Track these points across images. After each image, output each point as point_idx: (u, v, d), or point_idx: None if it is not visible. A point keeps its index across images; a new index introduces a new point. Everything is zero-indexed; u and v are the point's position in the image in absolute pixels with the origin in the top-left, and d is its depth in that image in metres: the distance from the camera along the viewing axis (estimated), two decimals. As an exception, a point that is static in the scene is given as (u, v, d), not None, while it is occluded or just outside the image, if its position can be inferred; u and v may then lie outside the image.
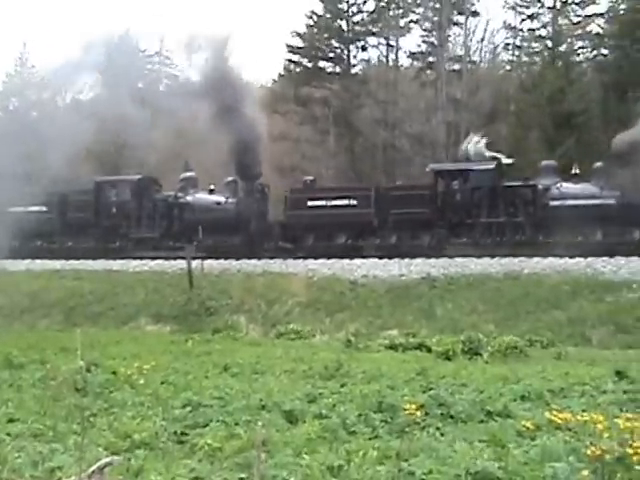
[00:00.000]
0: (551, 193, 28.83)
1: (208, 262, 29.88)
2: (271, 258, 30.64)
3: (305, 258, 29.81)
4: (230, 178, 33.68)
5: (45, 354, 14.96)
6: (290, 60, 51.09)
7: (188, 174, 35.42)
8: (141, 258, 32.31)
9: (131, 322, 26.79)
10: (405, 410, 8.16)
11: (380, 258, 28.78)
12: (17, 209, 35.00)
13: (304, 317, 24.92)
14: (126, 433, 7.73)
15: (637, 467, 5.47)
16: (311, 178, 33.81)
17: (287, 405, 9.17)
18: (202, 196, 33.89)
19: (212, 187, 33.97)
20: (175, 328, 25.10)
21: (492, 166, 30.54)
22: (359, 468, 6.41)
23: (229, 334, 21.93)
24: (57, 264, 33.75)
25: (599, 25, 46.42)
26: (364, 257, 29.34)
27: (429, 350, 17.57)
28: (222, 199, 33.05)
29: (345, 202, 31.10)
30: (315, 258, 29.42)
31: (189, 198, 33.97)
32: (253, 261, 30.88)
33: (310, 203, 31.57)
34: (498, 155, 31.68)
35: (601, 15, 46.55)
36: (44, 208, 36.03)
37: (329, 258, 29.14)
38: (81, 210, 35.53)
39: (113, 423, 8.29)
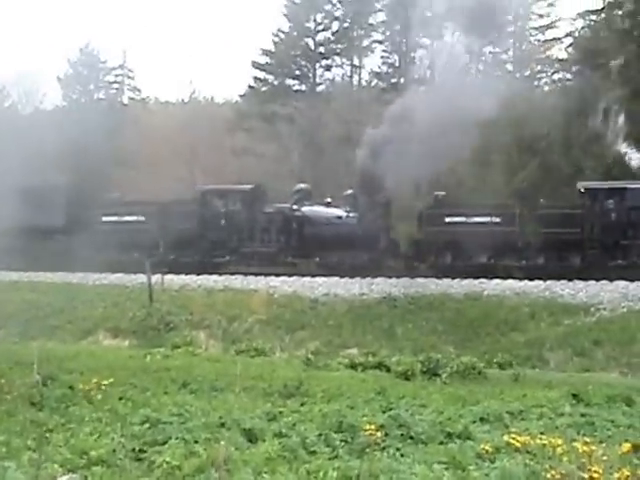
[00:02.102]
0: None
1: (169, 277, 29.67)
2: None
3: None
4: (349, 191, 31.69)
5: (-1, 367, 14.67)
6: (256, 77, 51.19)
7: (302, 185, 33.75)
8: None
9: (89, 336, 26.48)
10: (365, 430, 8.16)
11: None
12: (111, 218, 34.10)
13: (264, 334, 24.83)
14: (83, 450, 7.60)
15: (596, 491, 5.51)
16: (442, 193, 31.45)
17: (247, 423, 9.11)
18: (321, 209, 31.93)
19: (329, 200, 32.15)
20: (134, 343, 24.83)
21: None
22: (319, 488, 6.38)
23: (188, 350, 21.72)
24: (14, 275, 33.27)
25: (565, 50, 47.21)
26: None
27: (388, 370, 17.60)
28: (342, 213, 31.24)
29: (487, 219, 29.41)
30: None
31: (306, 211, 31.95)
32: (214, 277, 30.69)
33: (448, 219, 29.87)
34: None
35: (558, 39, 47.37)
36: (142, 218, 34.19)
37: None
38: (185, 221, 33.24)
39: (70, 439, 8.15)
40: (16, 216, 34.53)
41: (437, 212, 30.39)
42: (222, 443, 6.90)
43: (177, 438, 8.35)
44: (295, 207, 32.11)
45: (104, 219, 34.17)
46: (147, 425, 8.93)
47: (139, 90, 61.12)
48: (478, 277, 27.19)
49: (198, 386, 13.08)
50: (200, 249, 32.98)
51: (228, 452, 7.18)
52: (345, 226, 30.59)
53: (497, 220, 29.32)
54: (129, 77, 60.16)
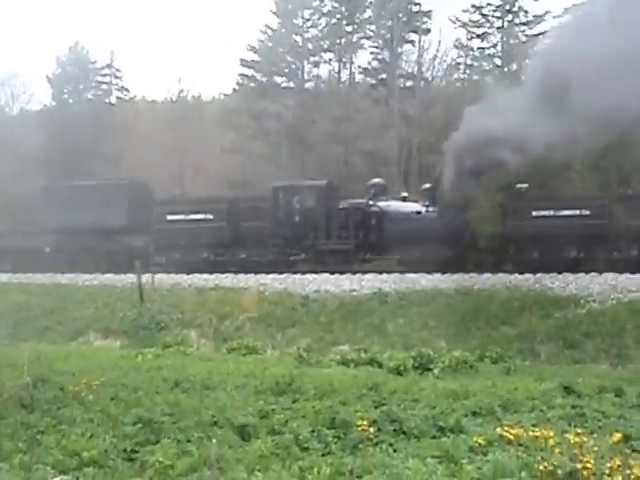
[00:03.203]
0: None
1: (159, 276, 29.60)
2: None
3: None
4: (427, 185, 30.88)
5: (-10, 369, 14.59)
6: (244, 74, 51.12)
7: (377, 180, 32.67)
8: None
9: (80, 337, 26.41)
10: (358, 426, 8.17)
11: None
12: (176, 217, 33.32)
13: (255, 332, 24.82)
14: (75, 451, 7.59)
15: (587, 482, 5.54)
16: (525, 186, 30.05)
17: (239, 421, 9.10)
18: (398, 204, 30.96)
19: (405, 195, 31.39)
20: (125, 343, 24.79)
21: None
22: (312, 485, 6.39)
23: (180, 349, 21.68)
24: (3, 277, 33.15)
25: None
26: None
27: (380, 365, 17.60)
28: (421, 208, 30.17)
29: (576, 212, 28.40)
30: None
31: (383, 206, 30.83)
32: (205, 275, 30.63)
33: (535, 213, 28.78)
34: None
35: (546, 33, 47.48)
36: (210, 216, 33.07)
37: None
38: (256, 218, 32.25)
39: (61, 441, 8.13)
40: (77, 216, 34.37)
41: (524, 205, 29.30)
42: (213, 441, 6.89)
43: (169, 437, 8.36)
44: (371, 202, 31.13)
45: (169, 218, 33.33)
46: (139, 425, 8.92)
47: (127, 90, 61.01)
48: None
49: (190, 385, 13.02)
50: (273, 247, 32.05)
51: (220, 450, 7.18)
52: (425, 221, 29.61)
53: (587, 212, 28.44)
54: (117, 77, 60.00)
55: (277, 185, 33.12)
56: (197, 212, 33.25)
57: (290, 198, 32.25)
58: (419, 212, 30.05)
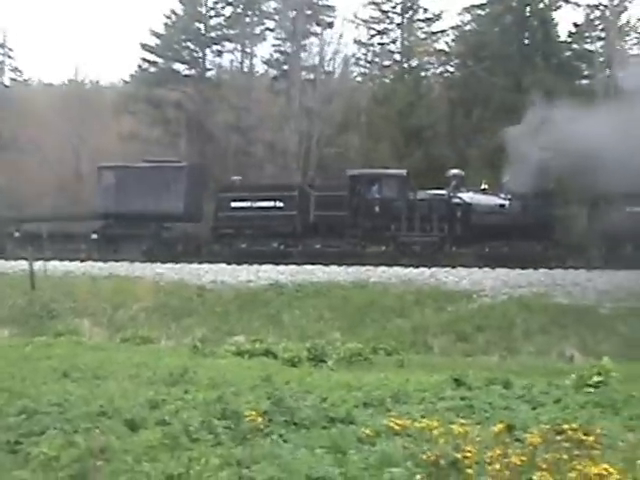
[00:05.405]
0: None
1: (52, 264, 28.89)
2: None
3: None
4: (508, 177, 29.24)
5: None
6: (145, 59, 50.20)
7: (456, 171, 31.08)
8: (409, 266, 27.89)
9: (-34, 325, 25.48)
10: (247, 417, 8.16)
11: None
12: (242, 204, 31.45)
13: (150, 322, 24.50)
14: (-47, 444, 7.34)
15: (468, 470, 5.69)
16: None
17: (128, 412, 8.97)
18: (481, 197, 29.91)
19: (485, 187, 30.12)
20: (15, 332, 24.02)
21: None
22: (200, 475, 6.34)
23: (72, 338, 21.18)
24: None
25: (446, 43, 48.43)
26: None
27: (275, 356, 17.63)
28: (503, 201, 29.40)
29: None
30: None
31: (466, 198, 29.88)
32: (99, 264, 30.07)
33: (629, 209, 27.25)
34: None
35: (444, 32, 48.65)
36: (280, 204, 31.45)
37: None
38: (331, 207, 30.54)
39: (-62, 434, 7.84)
40: (128, 201, 32.87)
41: (617, 201, 27.78)
42: (97, 432, 6.77)
43: (55, 428, 8.14)
44: (452, 194, 30.16)
45: (233, 205, 31.72)
46: (24, 416, 8.67)
47: (20, 71, 59.16)
48: None
49: (80, 375, 12.75)
50: (350, 238, 30.60)
51: (107, 441, 7.06)
52: (512, 215, 28.95)
53: None
54: (9, 57, 58.09)
55: (354, 173, 31.90)
56: (266, 199, 31.74)
57: (369, 187, 31.02)
58: (502, 205, 29.50)
